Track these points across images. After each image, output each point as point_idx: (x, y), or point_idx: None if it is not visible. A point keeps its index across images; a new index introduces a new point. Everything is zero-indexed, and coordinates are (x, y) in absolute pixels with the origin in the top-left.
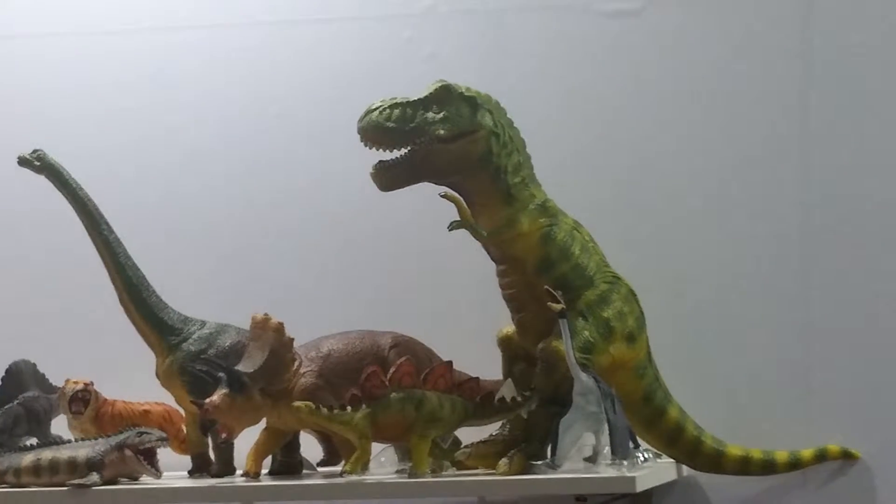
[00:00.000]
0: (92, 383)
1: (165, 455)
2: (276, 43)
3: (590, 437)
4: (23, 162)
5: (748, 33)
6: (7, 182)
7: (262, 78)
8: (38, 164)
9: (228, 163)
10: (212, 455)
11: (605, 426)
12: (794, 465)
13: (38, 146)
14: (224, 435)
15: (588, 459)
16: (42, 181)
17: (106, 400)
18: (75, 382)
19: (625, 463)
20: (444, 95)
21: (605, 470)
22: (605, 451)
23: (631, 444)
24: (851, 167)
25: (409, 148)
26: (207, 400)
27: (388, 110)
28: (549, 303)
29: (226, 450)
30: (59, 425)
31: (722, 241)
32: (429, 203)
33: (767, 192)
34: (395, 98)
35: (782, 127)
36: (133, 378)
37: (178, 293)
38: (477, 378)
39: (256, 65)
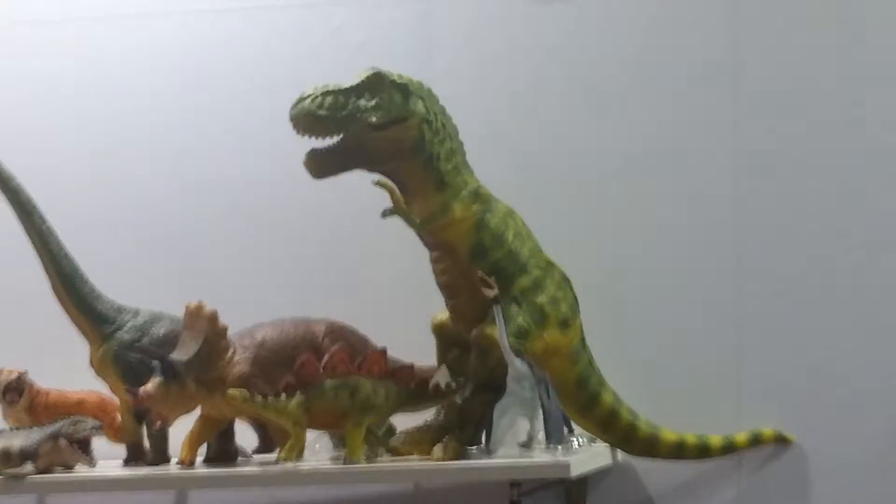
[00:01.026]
0: (25, 372)
1: (100, 444)
2: (206, 30)
3: (524, 422)
4: None
5: (676, 17)
6: None
7: (193, 65)
8: None
9: (160, 150)
10: (147, 444)
11: (540, 412)
12: (729, 449)
13: None
14: (158, 423)
15: (523, 445)
16: None
17: (39, 389)
18: (9, 372)
19: (559, 448)
20: (376, 83)
21: (540, 455)
22: (539, 437)
23: (565, 430)
24: (785, 151)
25: (341, 135)
26: (141, 388)
27: (319, 98)
28: (482, 289)
29: (160, 438)
30: None
31: (654, 227)
32: (362, 190)
33: (700, 177)
34: (328, 85)
35: (714, 112)
36: (67, 367)
37: (111, 282)
38: (411, 365)
39: (186, 51)
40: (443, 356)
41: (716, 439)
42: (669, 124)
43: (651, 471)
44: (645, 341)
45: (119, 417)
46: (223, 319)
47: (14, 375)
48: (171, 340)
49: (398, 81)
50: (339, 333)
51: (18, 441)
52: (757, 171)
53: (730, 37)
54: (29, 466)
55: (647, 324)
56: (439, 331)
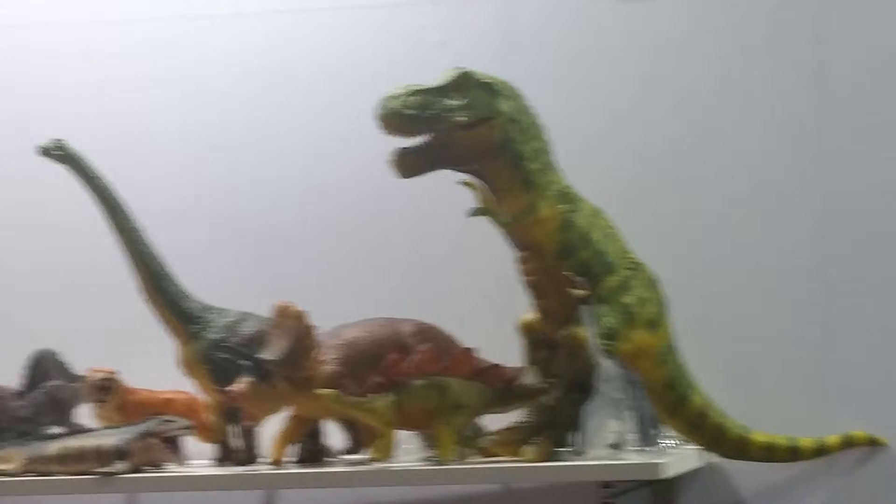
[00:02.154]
0: (115, 372)
1: (190, 443)
2: (291, 33)
3: (614, 423)
4: (44, 152)
5: (765, 20)
6: (29, 174)
7: (273, 67)
8: (60, 153)
9: (249, 151)
10: (235, 443)
11: (630, 413)
12: (820, 451)
13: (60, 138)
14: (248, 422)
15: (613, 446)
16: (65, 172)
17: (129, 389)
18: (99, 371)
19: (650, 449)
20: (463, 82)
21: (630, 456)
22: (629, 438)
23: (655, 431)
24: (871, 158)
25: (428, 135)
26: (231, 388)
27: (407, 97)
28: (571, 289)
29: (250, 438)
30: (83, 414)
31: (741, 227)
32: (449, 190)
33: (787, 177)
34: (415, 85)
35: (801, 117)
36: (156, 366)
37: (199, 282)
38: (499, 365)
39: (267, 54)
40: (530, 357)
41: (806, 441)
42: (755, 124)
43: (741, 473)
44: (734, 342)
45: (207, 417)
46: (311, 319)
47: (103, 375)
48: (258, 340)
49: (485, 81)
50: (426, 333)
51: (110, 440)
52: (844, 170)
53: (817, 33)
54: (120, 465)
55: (735, 324)
56: (527, 331)
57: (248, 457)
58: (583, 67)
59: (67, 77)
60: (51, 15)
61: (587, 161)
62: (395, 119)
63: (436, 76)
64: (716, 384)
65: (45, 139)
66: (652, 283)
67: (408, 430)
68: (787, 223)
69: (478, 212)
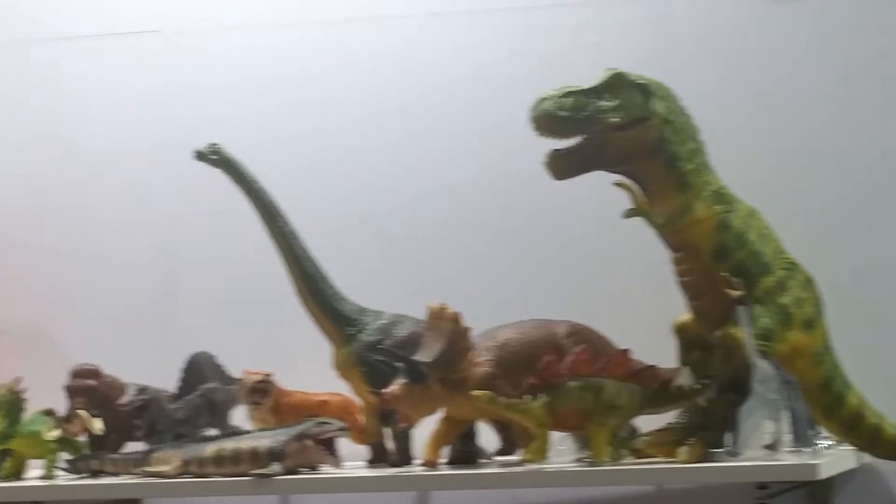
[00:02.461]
0: (271, 374)
1: (344, 445)
2: (444, 33)
3: (770, 424)
4: (200, 156)
5: None
6: (184, 178)
7: (431, 68)
8: (215, 158)
9: (401, 153)
10: (390, 445)
11: (786, 413)
12: None
13: (212, 140)
14: (403, 424)
15: (768, 447)
16: (219, 176)
17: (284, 391)
18: (254, 374)
19: (806, 450)
20: (617, 83)
21: (787, 457)
22: (785, 439)
23: (811, 431)
24: None
25: (582, 136)
26: (386, 390)
27: (560, 99)
28: (727, 290)
29: (404, 439)
30: (238, 416)
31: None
32: (603, 191)
33: None
34: (568, 86)
35: None
36: (311, 368)
37: (353, 284)
38: (654, 366)
39: (424, 55)
40: (685, 357)
41: None
42: None
43: None
44: (890, 341)
45: (361, 418)
46: (465, 321)
47: (259, 377)
48: (413, 342)
49: (639, 82)
50: (581, 335)
51: (265, 441)
52: None
53: None
54: (276, 467)
55: (892, 323)
56: (681, 332)
57: (402, 458)
58: (738, 67)
59: (221, 80)
60: (206, 21)
61: (741, 161)
62: (549, 120)
63: (589, 77)
64: (871, 384)
65: (201, 143)
66: (808, 283)
67: (562, 431)
68: None
69: (632, 213)
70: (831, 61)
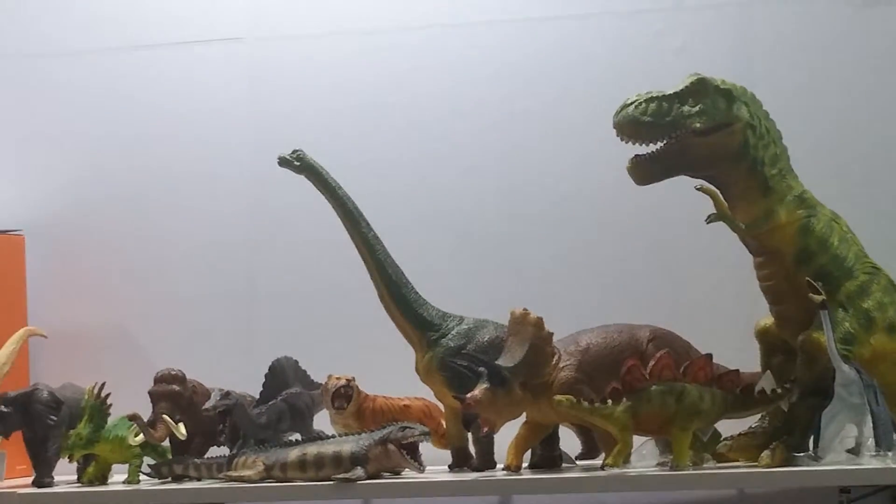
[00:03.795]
0: (353, 379)
1: (426, 449)
2: (528, 39)
3: (852, 428)
4: (283, 162)
5: None
6: (268, 183)
7: (514, 74)
8: (298, 164)
9: (483, 159)
10: (472, 449)
11: (869, 417)
12: None
13: (297, 145)
14: (485, 429)
15: (851, 451)
16: (303, 181)
17: (367, 395)
18: (337, 378)
19: (889, 454)
20: (700, 88)
21: (870, 461)
22: (868, 443)
23: (895, 435)
24: None
25: (665, 141)
26: (469, 394)
27: (644, 104)
28: (809, 294)
29: (487, 444)
30: (320, 421)
31: None
32: (685, 196)
33: None
34: (651, 92)
35: None
36: (393, 373)
37: (435, 289)
38: (737, 370)
39: (508, 61)
40: (767, 362)
41: None
42: None
43: None
44: None
45: (444, 423)
46: (548, 326)
47: (342, 382)
48: (495, 347)
49: (722, 87)
50: (663, 339)
51: (349, 446)
52: None
53: None
54: (359, 471)
55: None
56: (763, 336)
57: (485, 463)
58: (819, 72)
59: (301, 85)
60: (287, 28)
61: (824, 166)
62: (633, 125)
63: (674, 82)
64: None
65: (285, 150)
66: (891, 288)
67: (644, 435)
68: None
69: (715, 217)
70: None
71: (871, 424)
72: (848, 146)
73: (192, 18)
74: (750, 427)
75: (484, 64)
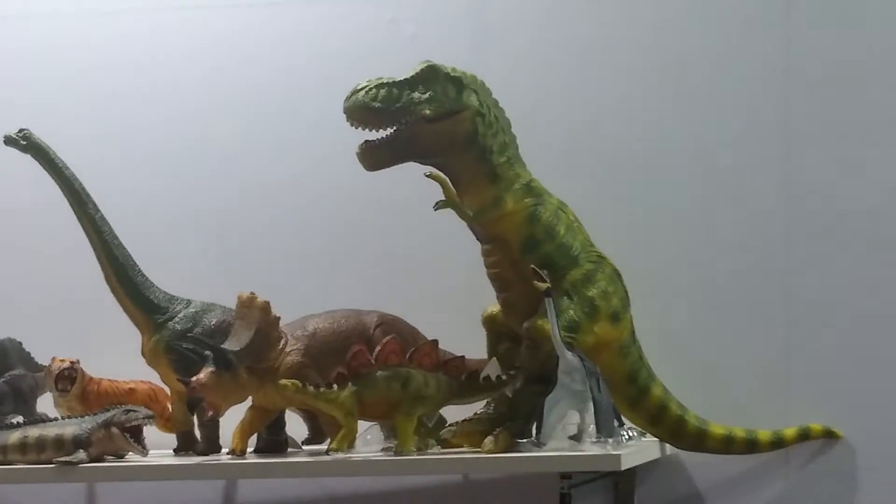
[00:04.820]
0: (78, 361)
1: (151, 433)
2: (258, 25)
3: (574, 415)
4: (8, 141)
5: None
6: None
7: (245, 60)
8: (24, 143)
9: (210, 142)
10: (197, 433)
11: (590, 404)
12: (777, 444)
13: (24, 127)
14: (210, 413)
15: (573, 437)
16: (29, 161)
17: (92, 378)
18: (61, 361)
19: (609, 441)
20: (430, 75)
21: (590, 448)
22: (590, 430)
23: (616, 423)
24: (836, 160)
25: (394, 128)
26: (194, 378)
27: (374, 90)
28: (534, 282)
29: (212, 428)
30: (45, 403)
31: (707, 224)
32: (414, 183)
33: (752, 177)
34: (381, 78)
35: (767, 118)
36: (118, 356)
37: (163, 272)
38: (462, 356)
39: (239, 47)
40: (493, 349)
41: (764, 434)
42: (722, 129)
43: (699, 465)
44: (694, 336)
45: (170, 407)
46: (275, 310)
47: (66, 364)
48: (223, 330)
49: (452, 74)
50: (390, 325)
51: (71, 429)
52: (808, 172)
53: (784, 38)
54: (81, 454)
55: (697, 319)
56: (490, 323)
57: (210, 447)
58: (553, 62)
59: (35, 67)
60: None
61: (556, 154)
62: (362, 111)
63: (406, 70)
64: (675, 377)
65: (10, 128)
66: (615, 277)
67: (369, 420)
68: (750, 221)
69: (443, 204)
70: (653, 61)
71: (593, 411)
72: (578, 137)
73: None
74: (475, 413)
75: (216, 51)
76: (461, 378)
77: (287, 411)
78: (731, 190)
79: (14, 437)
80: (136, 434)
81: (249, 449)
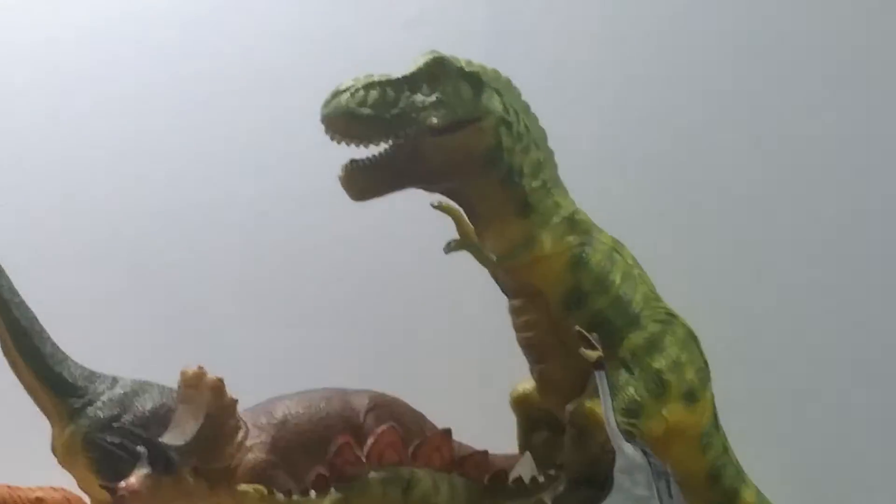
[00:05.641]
0: None
1: None
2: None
3: None
4: None
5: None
6: None
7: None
8: None
9: (143, 160)
10: None
11: None
12: None
13: None
14: None
15: None
16: None
17: None
18: None
19: None
20: (438, 71)
21: None
22: None
23: None
24: None
25: (390, 142)
26: (122, 483)
27: (362, 92)
28: (581, 349)
29: None
30: None
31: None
32: (418, 216)
33: None
34: (372, 75)
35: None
36: (22, 454)
37: (80, 340)
38: (485, 451)
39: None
40: (527, 439)
41: None
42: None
43: None
44: (796, 417)
45: None
46: (231, 391)
47: None
48: (161, 418)
49: (467, 70)
50: (386, 409)
51: None
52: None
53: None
54: None
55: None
56: (521, 405)
57: None
58: (594, 52)
59: None
60: None
61: (600, 176)
62: (346, 121)
63: (403, 63)
64: (770, 475)
65: None
66: (690, 342)
67: None
68: None
69: (457, 245)
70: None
71: None
72: (630, 148)
73: None
74: None
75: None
76: (483, 480)
77: None
78: None
79: None
80: None
81: None
